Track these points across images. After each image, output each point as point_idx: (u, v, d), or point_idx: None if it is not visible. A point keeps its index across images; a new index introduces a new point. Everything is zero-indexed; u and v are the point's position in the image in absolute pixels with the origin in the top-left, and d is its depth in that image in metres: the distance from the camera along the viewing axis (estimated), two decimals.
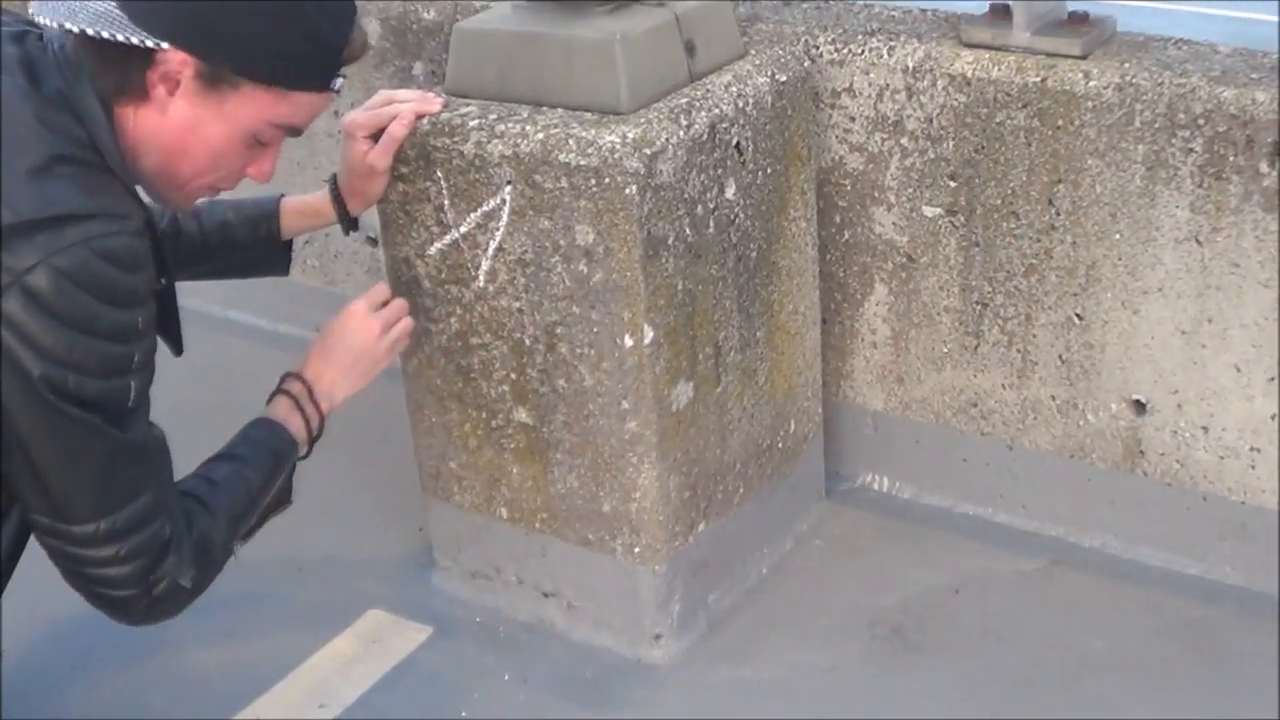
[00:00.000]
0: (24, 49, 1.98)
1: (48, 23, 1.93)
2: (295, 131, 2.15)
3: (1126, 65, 2.65)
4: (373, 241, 3.68)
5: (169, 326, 2.11)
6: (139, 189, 2.05)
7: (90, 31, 1.91)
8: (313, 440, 2.39)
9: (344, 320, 2.47)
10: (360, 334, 2.46)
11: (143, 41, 1.92)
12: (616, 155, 2.38)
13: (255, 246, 2.62)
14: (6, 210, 1.79)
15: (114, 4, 1.93)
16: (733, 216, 2.63)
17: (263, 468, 2.27)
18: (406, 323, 2.55)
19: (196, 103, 2.00)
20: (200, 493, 2.15)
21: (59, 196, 1.83)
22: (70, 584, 2.05)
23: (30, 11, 1.95)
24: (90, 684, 2.84)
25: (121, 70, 1.96)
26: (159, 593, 2.04)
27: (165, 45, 1.93)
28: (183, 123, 2.01)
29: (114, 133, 1.96)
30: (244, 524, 2.24)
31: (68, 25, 1.91)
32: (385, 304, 2.52)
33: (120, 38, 1.92)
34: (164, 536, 2.02)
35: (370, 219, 2.83)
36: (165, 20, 1.93)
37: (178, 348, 2.15)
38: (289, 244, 2.68)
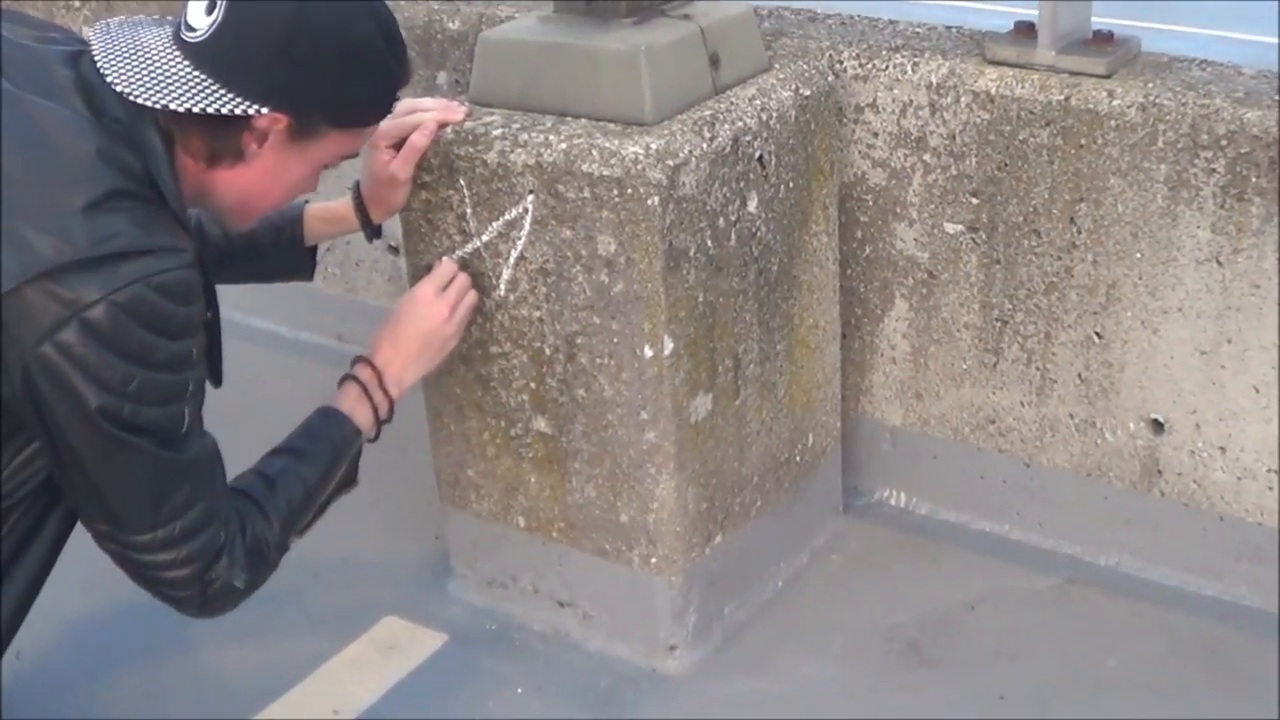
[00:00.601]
0: (79, 72, 1.99)
1: (143, 101, 1.95)
2: (354, 156, 2.26)
3: (1150, 85, 2.66)
4: (394, 250, 3.69)
5: (211, 359, 2.12)
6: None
7: (196, 110, 1.95)
8: (381, 424, 2.44)
9: (411, 305, 2.51)
10: (429, 319, 2.49)
11: (245, 110, 1.98)
12: (639, 166, 2.39)
13: (279, 252, 2.63)
14: (67, 246, 1.82)
15: (189, 64, 1.97)
16: (754, 230, 2.64)
17: (321, 463, 2.32)
18: (471, 298, 2.57)
19: (282, 151, 2.07)
20: (255, 493, 2.20)
21: (117, 232, 1.85)
22: (133, 581, 2.11)
23: (109, 80, 1.96)
24: (107, 686, 2.85)
25: (219, 138, 2.02)
26: (213, 592, 2.12)
27: (264, 110, 1.99)
28: (265, 170, 2.09)
29: (173, 168, 1.99)
30: (299, 520, 2.29)
31: (173, 106, 1.95)
32: (450, 282, 2.54)
33: (225, 110, 1.97)
34: (218, 543, 2.08)
35: (392, 226, 2.84)
36: (261, 84, 1.98)
37: (217, 380, 2.17)
38: (313, 249, 2.69)
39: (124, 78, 1.96)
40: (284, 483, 2.25)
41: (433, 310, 2.50)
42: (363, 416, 2.40)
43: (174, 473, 1.99)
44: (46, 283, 1.80)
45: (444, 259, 2.59)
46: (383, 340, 2.47)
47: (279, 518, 2.21)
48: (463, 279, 2.56)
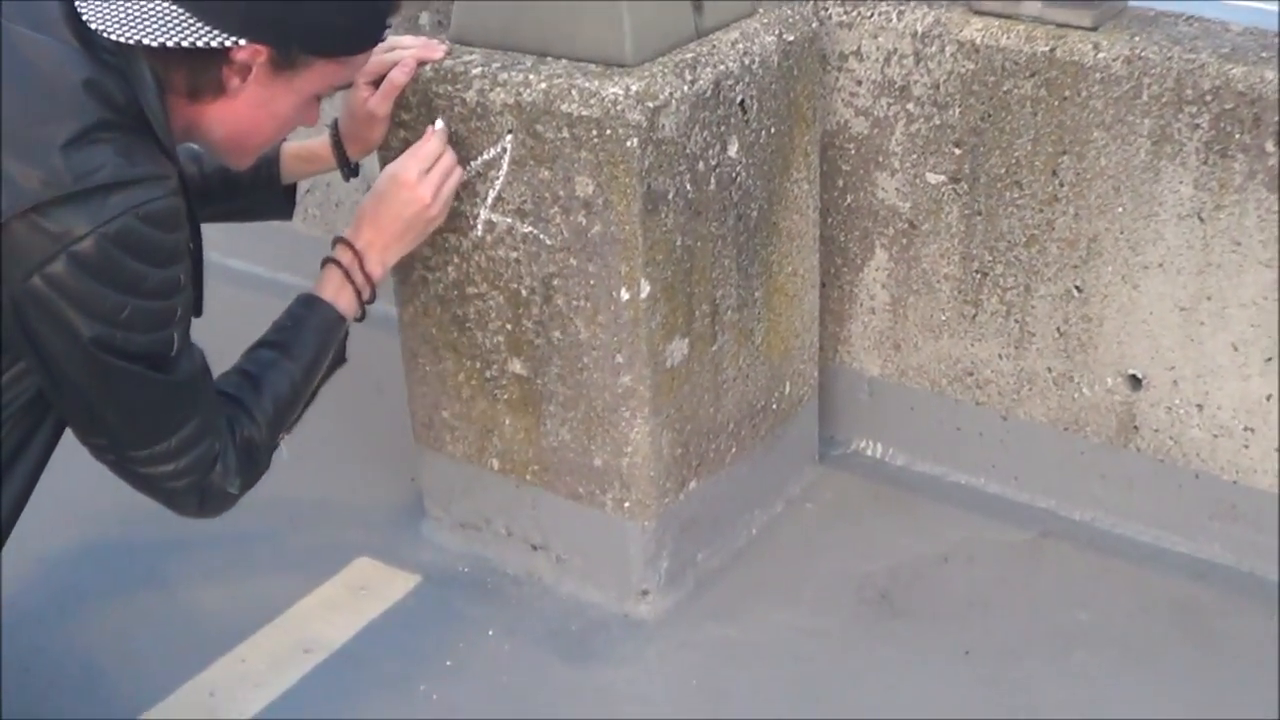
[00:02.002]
0: (71, 5, 1.97)
1: (118, 39, 1.93)
2: (348, 86, 2.26)
3: (1136, 39, 2.64)
4: None
5: (194, 288, 2.12)
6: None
7: (170, 44, 1.93)
8: (365, 306, 2.43)
9: (394, 187, 2.45)
10: (412, 203, 2.44)
11: (221, 43, 1.96)
12: (619, 107, 2.37)
13: (256, 190, 2.61)
14: (53, 180, 1.81)
15: (170, 2, 1.94)
16: (734, 174, 2.62)
17: (306, 356, 2.33)
18: (456, 177, 2.51)
19: (266, 84, 2.05)
20: (243, 396, 2.22)
21: (102, 164, 1.85)
22: (130, 486, 2.14)
23: (85, 19, 1.94)
24: (79, 623, 2.85)
25: (197, 72, 2.00)
26: (208, 497, 2.16)
27: (242, 42, 1.97)
28: (253, 103, 2.06)
29: (163, 101, 1.97)
30: (287, 417, 2.30)
31: (147, 42, 1.93)
32: (434, 163, 2.48)
33: (200, 44, 1.95)
34: (213, 453, 2.12)
35: (370, 167, 2.82)
36: (238, 16, 1.96)
37: (198, 309, 2.17)
38: (292, 188, 2.67)
39: (99, 15, 1.94)
40: (269, 381, 2.26)
41: (416, 194, 2.44)
42: (346, 302, 2.39)
43: (167, 393, 2.02)
44: (34, 217, 1.81)
45: (430, 133, 2.51)
46: (364, 221, 2.44)
47: (265, 418, 2.23)
48: (448, 158, 2.49)
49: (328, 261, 2.42)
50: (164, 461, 2.07)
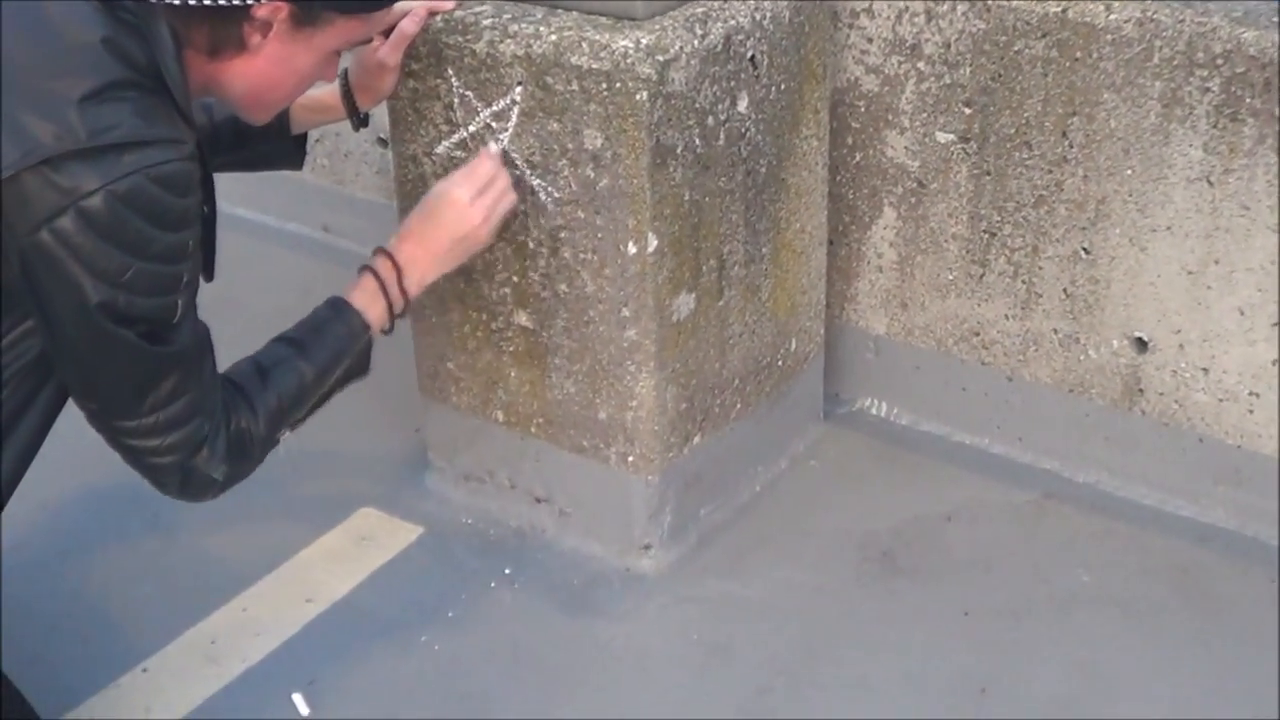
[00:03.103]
0: None
1: None
2: (367, 42, 2.26)
3: (1148, 1, 2.63)
4: (383, 143, 3.67)
5: (205, 253, 2.11)
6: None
7: (191, 1, 1.93)
8: (395, 319, 2.42)
9: (443, 207, 2.43)
10: (462, 223, 2.42)
11: (243, 0, 1.95)
12: (629, 60, 2.37)
13: (266, 140, 2.60)
14: (68, 135, 1.81)
15: None
16: (744, 130, 2.62)
17: (321, 359, 2.29)
18: (509, 201, 2.50)
19: (287, 40, 2.04)
20: (247, 385, 2.20)
21: (118, 122, 1.84)
22: (123, 460, 2.12)
23: None
24: (82, 570, 2.86)
25: (217, 29, 1.99)
26: (193, 481, 2.13)
27: None
28: (273, 60, 2.05)
29: (180, 59, 1.96)
30: (291, 415, 2.27)
31: None
32: (488, 184, 2.46)
33: (221, 0, 1.94)
34: (201, 434, 2.08)
35: (381, 118, 2.82)
36: None
37: (209, 274, 2.17)
38: (302, 138, 2.67)
39: None
40: (278, 376, 2.24)
41: (467, 215, 2.42)
42: (376, 313, 2.37)
43: (162, 364, 2.00)
44: (46, 170, 1.80)
45: (485, 155, 2.50)
46: (409, 235, 2.42)
47: (266, 412, 2.20)
48: (502, 181, 2.48)
49: (364, 269, 2.40)
50: (150, 435, 2.04)
